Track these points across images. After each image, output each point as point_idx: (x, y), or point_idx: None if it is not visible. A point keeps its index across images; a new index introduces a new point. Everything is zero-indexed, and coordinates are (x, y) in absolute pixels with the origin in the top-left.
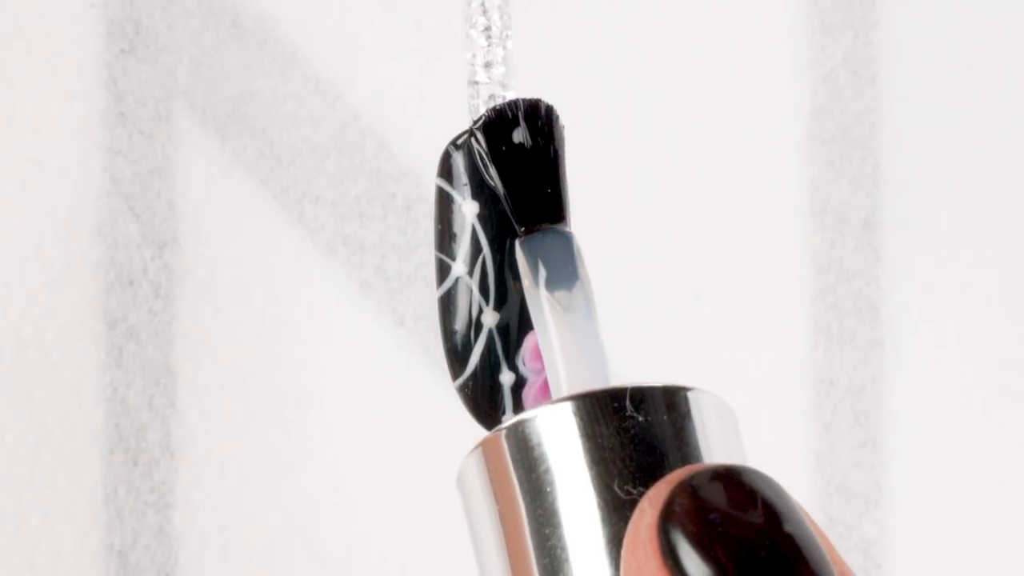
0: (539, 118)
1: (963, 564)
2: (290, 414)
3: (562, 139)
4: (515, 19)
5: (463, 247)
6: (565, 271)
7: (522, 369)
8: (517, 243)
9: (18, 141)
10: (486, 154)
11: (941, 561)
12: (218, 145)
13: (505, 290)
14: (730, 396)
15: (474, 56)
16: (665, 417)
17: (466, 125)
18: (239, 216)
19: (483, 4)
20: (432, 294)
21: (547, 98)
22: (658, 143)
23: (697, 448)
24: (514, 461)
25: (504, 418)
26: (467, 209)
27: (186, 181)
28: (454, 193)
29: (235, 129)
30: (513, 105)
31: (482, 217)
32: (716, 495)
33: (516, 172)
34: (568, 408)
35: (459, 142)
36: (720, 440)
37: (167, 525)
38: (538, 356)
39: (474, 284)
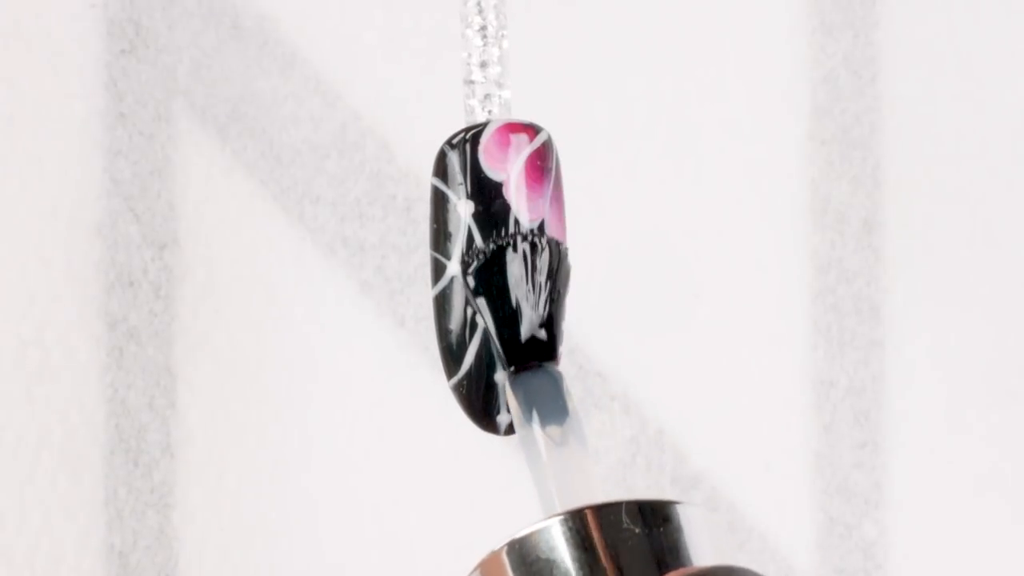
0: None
1: (963, 564)
2: (290, 414)
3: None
4: (515, 19)
5: (458, 246)
6: (556, 407)
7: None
8: (507, 381)
9: (18, 142)
10: (472, 294)
11: (941, 561)
12: (218, 146)
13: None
14: (730, 396)
15: (470, 55)
16: (659, 529)
17: (455, 130)
18: (239, 217)
19: (479, 3)
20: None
21: (546, 98)
22: (658, 143)
23: (688, 559)
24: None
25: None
26: (462, 208)
27: (186, 182)
28: (449, 192)
29: (235, 130)
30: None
31: (477, 216)
32: None
33: (504, 314)
34: (565, 522)
35: (454, 141)
36: (712, 551)
37: (167, 526)
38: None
39: (464, 283)
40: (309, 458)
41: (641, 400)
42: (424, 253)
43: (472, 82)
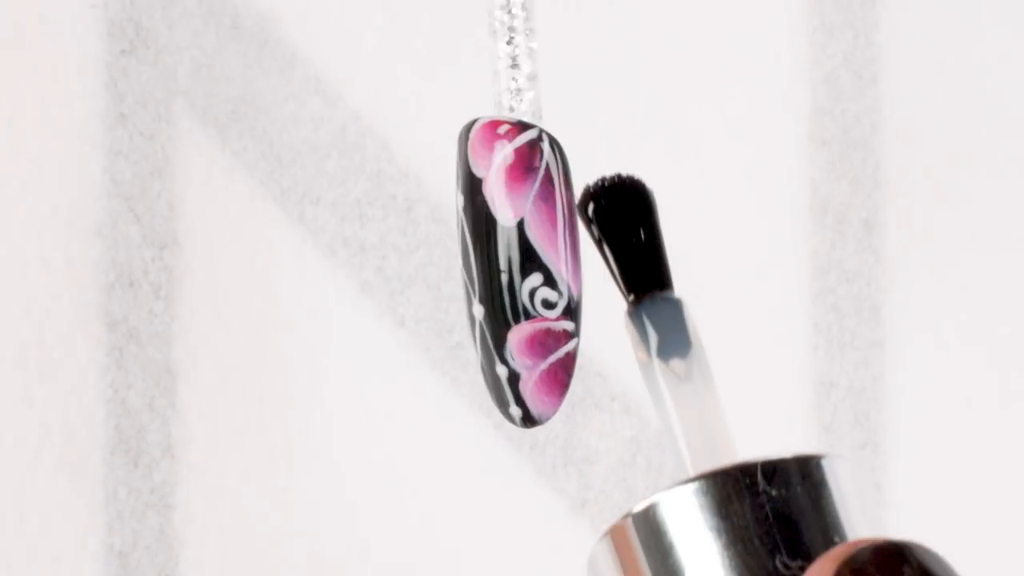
0: (638, 189)
1: (963, 565)
2: (290, 415)
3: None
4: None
5: (458, 241)
6: (678, 339)
7: (513, 364)
8: (625, 313)
9: (19, 142)
10: (595, 226)
11: None
12: (218, 146)
13: (486, 284)
14: (730, 397)
15: (499, 50)
16: (799, 489)
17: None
18: (239, 217)
19: (508, 2)
20: (433, 295)
21: (545, 98)
22: (658, 143)
23: (837, 518)
24: (645, 548)
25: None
26: (457, 202)
27: (186, 182)
28: (457, 183)
29: (235, 130)
30: (615, 179)
31: (465, 210)
32: (880, 573)
33: (623, 243)
34: (697, 489)
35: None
36: (859, 508)
37: (167, 526)
38: (525, 351)
39: (465, 276)
40: (309, 458)
41: (641, 400)
42: (424, 253)
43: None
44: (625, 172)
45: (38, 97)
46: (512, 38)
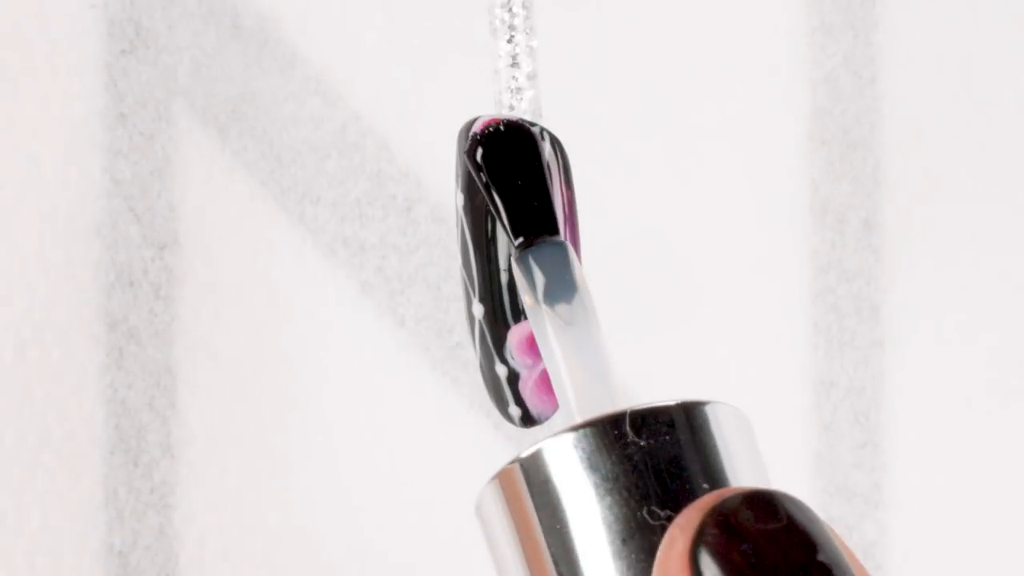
0: (524, 135)
1: (964, 565)
2: (290, 415)
3: (556, 155)
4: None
5: (458, 239)
6: (563, 282)
7: (512, 363)
8: (512, 259)
9: (18, 142)
10: (479, 172)
11: (942, 562)
12: (218, 146)
13: (487, 281)
14: (730, 397)
15: (500, 49)
16: (673, 438)
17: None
18: (239, 217)
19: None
20: (433, 295)
21: (545, 98)
22: (658, 143)
23: (717, 467)
24: (530, 494)
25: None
26: (457, 201)
27: (186, 182)
28: (456, 183)
29: (235, 130)
30: (501, 125)
31: (466, 208)
32: (747, 522)
33: (510, 188)
34: (570, 439)
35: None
36: (735, 455)
37: (167, 526)
38: (525, 350)
39: (464, 274)
40: (309, 458)
41: (640, 400)
42: (424, 253)
43: (502, 76)
44: (512, 117)
45: (38, 97)
46: (512, 36)
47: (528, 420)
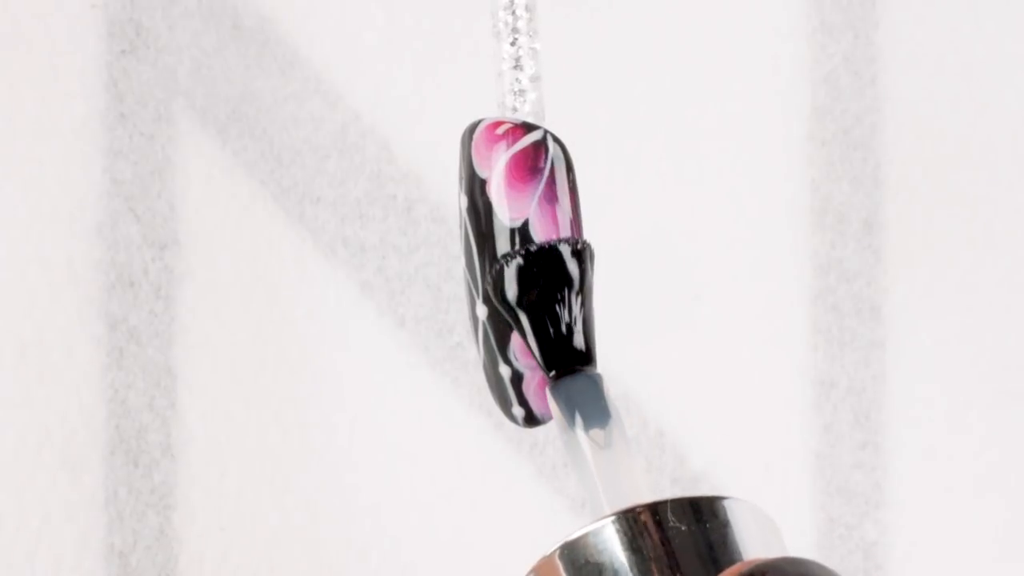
0: (552, 260)
1: (964, 565)
2: (290, 415)
3: (590, 278)
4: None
5: (461, 241)
6: (598, 410)
7: (516, 364)
8: (547, 388)
9: (19, 142)
10: (513, 304)
11: (942, 562)
12: (219, 146)
13: (491, 283)
14: (730, 397)
15: (504, 51)
16: (707, 525)
17: (468, 124)
18: (240, 217)
19: (512, 3)
20: (433, 295)
21: (546, 98)
22: (659, 143)
23: (739, 553)
24: None
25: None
26: (460, 203)
27: (187, 182)
28: (459, 184)
29: (236, 130)
30: (537, 255)
31: (469, 210)
32: None
33: (537, 322)
34: (611, 524)
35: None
36: (761, 544)
37: (167, 526)
38: (529, 353)
39: (467, 275)
40: (309, 458)
41: (641, 400)
42: (424, 253)
43: (505, 79)
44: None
45: (38, 97)
46: (516, 39)
47: (531, 420)
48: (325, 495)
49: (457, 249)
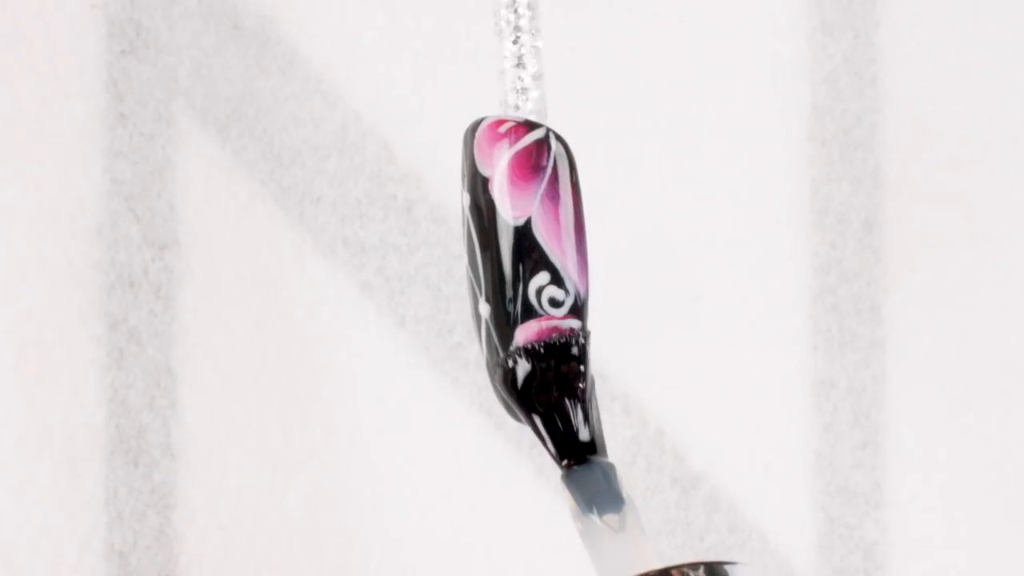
0: (569, 361)
1: (964, 565)
2: (290, 415)
3: (590, 369)
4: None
5: (464, 239)
6: (612, 497)
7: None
8: (561, 478)
9: (19, 142)
10: (522, 404)
11: (942, 562)
12: (219, 146)
13: (491, 282)
14: (730, 397)
15: (508, 51)
16: None
17: (468, 125)
18: (240, 217)
19: (515, 1)
20: (433, 295)
21: (548, 96)
22: (659, 144)
23: None
24: None
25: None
26: (463, 201)
27: (187, 182)
28: (462, 183)
29: (236, 130)
30: (545, 358)
31: (472, 209)
32: None
33: (548, 417)
34: None
35: (466, 132)
36: None
37: (167, 526)
38: None
39: (470, 274)
40: (309, 458)
41: (641, 400)
42: (425, 253)
43: (511, 76)
44: (553, 341)
45: (38, 97)
46: (518, 37)
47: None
48: (325, 495)
49: (458, 249)
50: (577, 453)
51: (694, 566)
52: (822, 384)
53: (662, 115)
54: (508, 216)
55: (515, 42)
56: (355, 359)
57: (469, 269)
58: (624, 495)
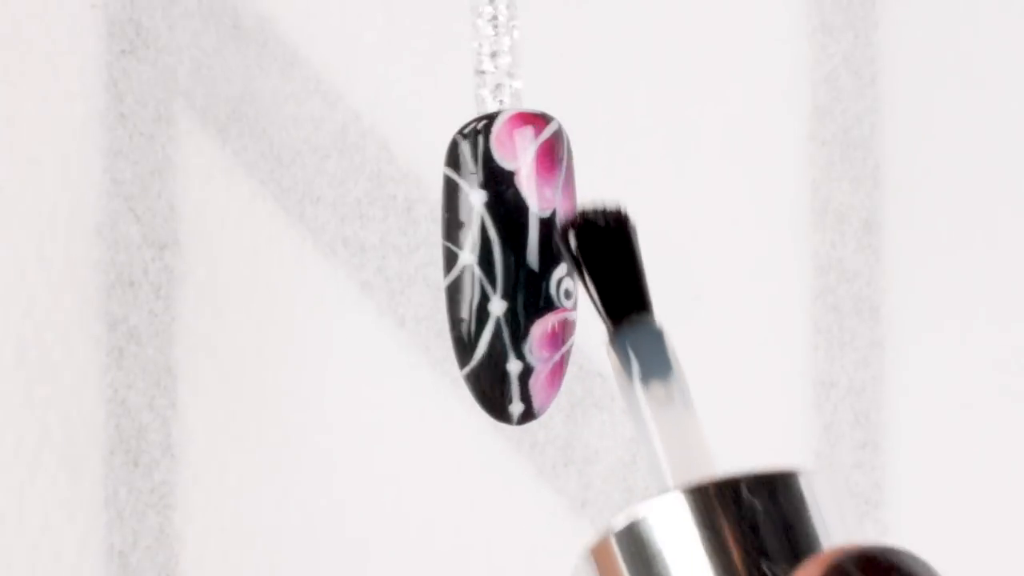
0: (620, 219)
1: (964, 565)
2: (290, 415)
3: (637, 235)
4: (519, 15)
5: (471, 236)
6: (658, 363)
7: (529, 358)
8: (607, 339)
9: (19, 142)
10: (577, 257)
11: (942, 562)
12: (219, 146)
13: (512, 278)
14: (730, 397)
15: (481, 45)
16: (781, 500)
17: (467, 120)
18: (240, 217)
19: None
20: (433, 295)
21: (545, 99)
22: (659, 143)
23: (817, 529)
24: (628, 562)
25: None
26: (475, 198)
27: (187, 182)
28: (461, 182)
29: (235, 130)
30: (595, 209)
31: (490, 206)
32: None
33: (604, 272)
34: (681, 501)
35: (466, 131)
36: (837, 520)
37: (167, 526)
38: (546, 344)
39: (481, 272)
40: (309, 458)
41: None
42: (425, 253)
43: (483, 72)
44: (605, 201)
45: (38, 97)
46: (496, 29)
47: (528, 416)
48: (325, 495)
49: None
50: (626, 313)
51: (755, 478)
52: (822, 384)
53: (662, 114)
54: (536, 209)
55: (494, 34)
56: (355, 360)
57: (479, 267)
58: (674, 364)
